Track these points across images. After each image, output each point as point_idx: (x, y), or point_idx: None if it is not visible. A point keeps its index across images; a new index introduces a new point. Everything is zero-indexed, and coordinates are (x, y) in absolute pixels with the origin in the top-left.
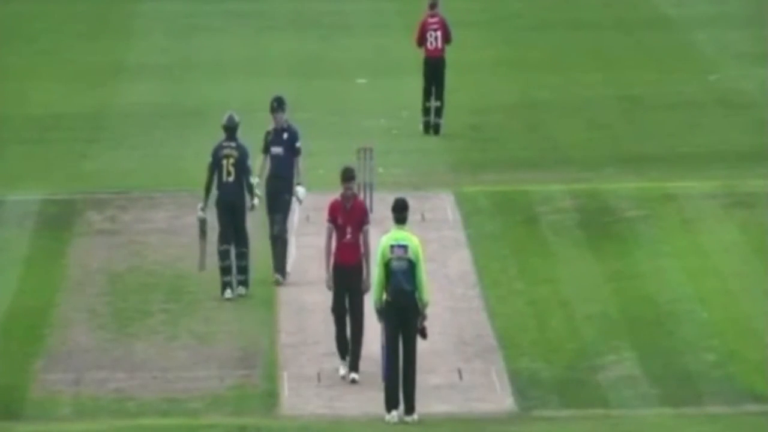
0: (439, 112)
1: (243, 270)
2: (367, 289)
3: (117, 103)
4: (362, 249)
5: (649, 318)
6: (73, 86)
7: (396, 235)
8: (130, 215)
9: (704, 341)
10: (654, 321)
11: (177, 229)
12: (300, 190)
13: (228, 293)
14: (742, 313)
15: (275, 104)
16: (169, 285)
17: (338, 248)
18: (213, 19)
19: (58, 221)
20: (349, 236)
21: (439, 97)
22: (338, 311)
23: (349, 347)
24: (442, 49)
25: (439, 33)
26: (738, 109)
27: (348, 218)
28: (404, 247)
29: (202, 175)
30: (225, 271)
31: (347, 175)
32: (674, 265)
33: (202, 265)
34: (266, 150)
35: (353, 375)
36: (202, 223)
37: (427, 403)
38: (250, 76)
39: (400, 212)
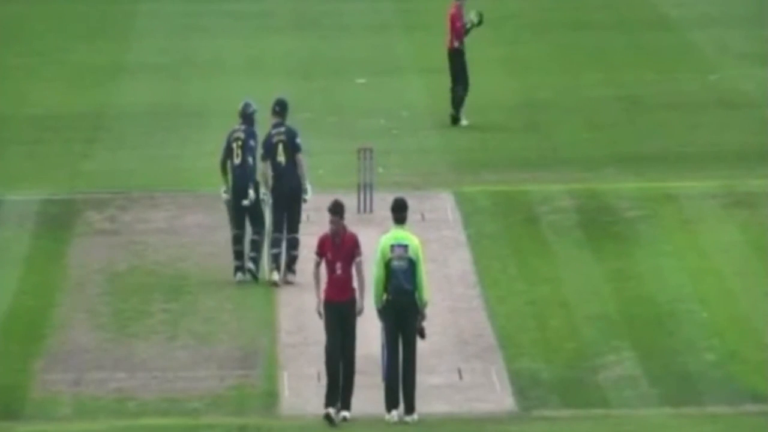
0: (452, 101)
1: (254, 259)
2: (359, 313)
3: (117, 103)
4: (355, 282)
5: (649, 318)
6: (73, 86)
7: (396, 234)
8: (130, 215)
9: (704, 341)
10: (654, 321)
11: (177, 229)
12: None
13: (239, 276)
14: (742, 313)
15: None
16: (169, 285)
17: (329, 284)
18: (213, 19)
19: (58, 221)
20: (339, 272)
21: (453, 86)
22: (332, 352)
23: (339, 397)
24: (450, 41)
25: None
26: (738, 109)
27: (337, 253)
28: (405, 247)
29: (202, 176)
30: (237, 255)
31: (332, 209)
32: (674, 265)
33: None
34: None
35: (344, 413)
36: (228, 204)
37: (427, 403)
38: (250, 76)
39: (400, 212)
